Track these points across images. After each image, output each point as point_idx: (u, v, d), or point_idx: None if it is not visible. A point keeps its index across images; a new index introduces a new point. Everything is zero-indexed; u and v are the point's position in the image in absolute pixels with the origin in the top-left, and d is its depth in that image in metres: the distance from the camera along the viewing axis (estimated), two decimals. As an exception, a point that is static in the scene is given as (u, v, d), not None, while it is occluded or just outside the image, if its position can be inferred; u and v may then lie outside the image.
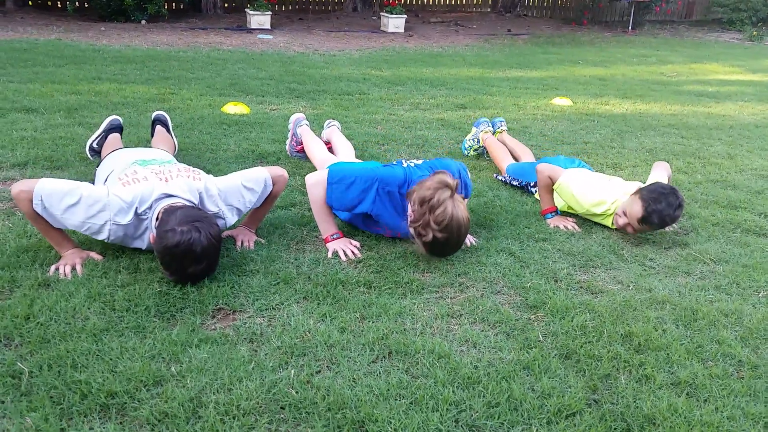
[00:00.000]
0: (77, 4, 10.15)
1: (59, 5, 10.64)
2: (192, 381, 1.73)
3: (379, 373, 1.83)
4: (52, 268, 2.26)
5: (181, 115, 4.47)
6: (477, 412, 1.70)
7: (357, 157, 3.48)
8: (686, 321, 2.24)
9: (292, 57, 7.69)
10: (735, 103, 6.59)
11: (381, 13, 11.45)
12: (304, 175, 3.22)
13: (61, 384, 1.68)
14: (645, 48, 11.03)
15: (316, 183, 2.59)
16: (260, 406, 1.67)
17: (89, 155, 3.38)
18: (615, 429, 1.68)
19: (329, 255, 2.54)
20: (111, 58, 6.65)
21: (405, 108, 5.33)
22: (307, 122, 3.70)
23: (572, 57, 9.38)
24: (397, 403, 1.70)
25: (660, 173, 3.23)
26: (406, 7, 11.42)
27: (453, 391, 1.76)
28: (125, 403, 1.64)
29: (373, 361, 1.89)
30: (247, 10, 10.23)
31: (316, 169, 3.27)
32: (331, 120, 3.78)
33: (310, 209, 2.90)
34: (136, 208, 2.24)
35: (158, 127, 3.41)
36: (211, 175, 2.50)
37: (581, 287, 2.44)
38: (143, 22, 9.62)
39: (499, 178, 3.64)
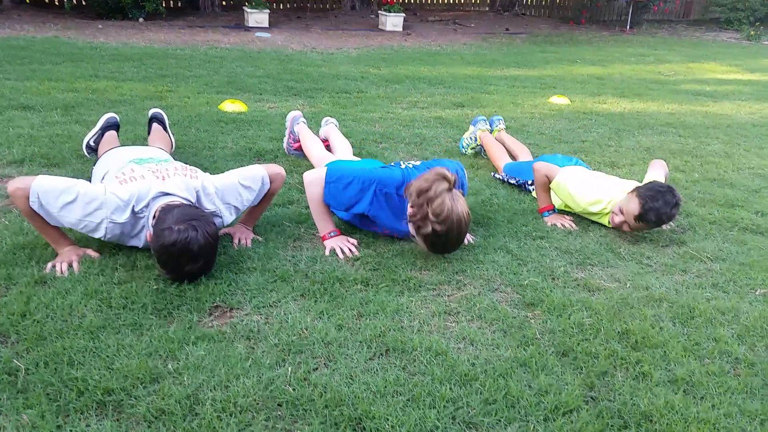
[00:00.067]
0: (74, 1, 10.12)
1: (56, 3, 10.60)
2: (189, 378, 1.73)
3: (377, 370, 1.83)
4: (49, 265, 2.26)
5: (178, 112, 4.47)
6: (474, 409, 1.70)
7: (355, 155, 3.48)
8: (683, 319, 2.24)
9: (289, 55, 7.68)
10: (732, 102, 6.60)
11: (379, 12, 11.44)
12: (302, 173, 3.22)
13: (58, 381, 1.68)
14: (643, 47, 11.04)
15: (314, 181, 2.58)
16: (257, 403, 1.66)
17: (86, 153, 3.37)
18: (612, 426, 1.68)
19: (327, 253, 2.54)
20: (108, 55, 6.64)
21: (403, 106, 5.33)
22: (305, 120, 3.70)
23: (570, 56, 9.38)
24: (395, 400, 1.70)
25: (657, 172, 3.23)
26: (404, 6, 11.41)
27: (450, 388, 1.77)
28: (122, 400, 1.64)
29: (370, 359, 1.89)
30: (244, 8, 10.21)
31: (313, 167, 3.27)
32: (328, 118, 3.78)
33: (307, 207, 2.89)
34: (133, 206, 2.24)
35: (155, 125, 3.40)
36: (208, 174, 2.50)
37: (578, 285, 2.44)
38: (141, 19, 9.60)
39: (497, 176, 3.64)
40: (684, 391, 1.84)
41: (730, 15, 14.90)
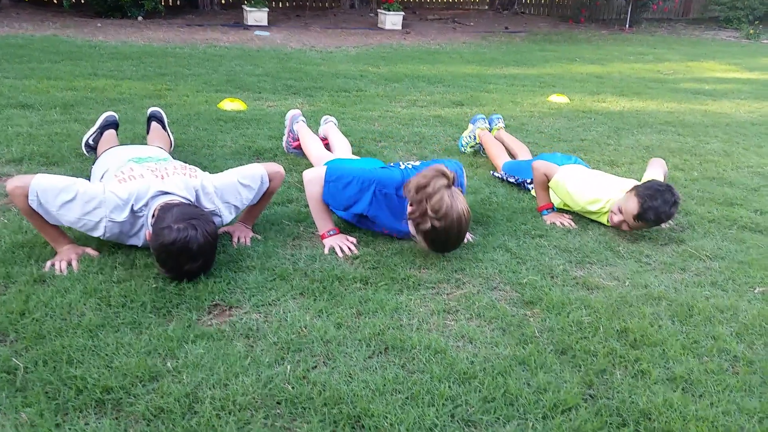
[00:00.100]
0: (73, 0, 10.11)
1: (55, 1, 10.59)
2: (188, 376, 1.73)
3: (376, 368, 1.83)
4: (48, 264, 2.26)
5: (177, 111, 4.46)
6: (473, 407, 1.70)
7: (354, 153, 3.48)
8: (682, 317, 2.24)
9: (289, 54, 7.68)
10: (731, 100, 6.60)
11: (378, 10, 11.43)
12: (301, 172, 3.22)
13: (57, 379, 1.68)
14: (642, 46, 11.03)
15: (313, 179, 2.58)
16: (256, 402, 1.67)
17: (85, 151, 3.37)
18: (610, 424, 1.69)
19: (326, 251, 2.54)
20: (107, 54, 6.63)
21: (402, 105, 5.32)
22: (304, 119, 3.70)
23: (569, 54, 9.38)
24: (393, 398, 1.70)
25: (656, 170, 3.23)
26: (404, 4, 11.39)
27: (449, 386, 1.77)
28: (121, 398, 1.64)
29: (369, 357, 1.89)
30: (244, 6, 10.20)
31: (312, 166, 3.27)
32: (327, 116, 3.77)
33: (306, 205, 2.89)
34: (132, 205, 2.24)
35: (153, 124, 3.40)
36: (207, 173, 2.49)
37: (577, 283, 2.45)
38: (140, 18, 9.59)
39: (496, 175, 3.64)
40: (683, 389, 1.84)
41: (730, 14, 14.90)
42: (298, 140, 3.57)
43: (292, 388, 1.72)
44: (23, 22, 8.47)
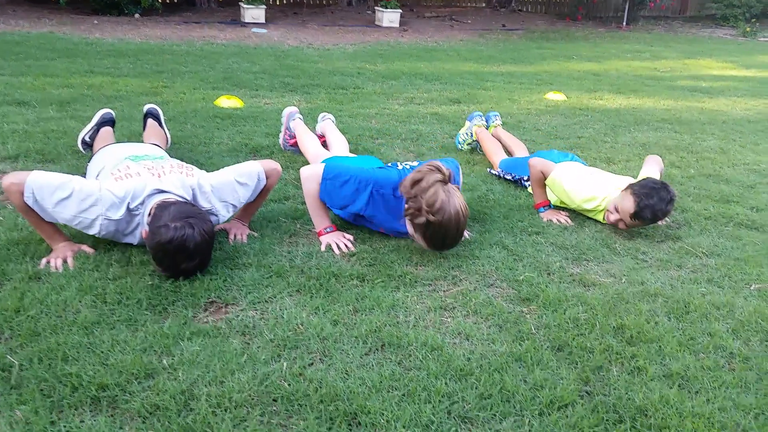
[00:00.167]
0: (69, -3, 10.07)
1: (51, -2, 10.55)
2: (184, 374, 1.73)
3: (372, 365, 1.83)
4: (43, 261, 2.25)
5: (174, 108, 4.45)
6: (469, 403, 1.70)
7: (351, 151, 3.48)
8: (678, 313, 2.24)
9: (286, 51, 7.66)
10: (728, 98, 6.61)
11: (376, 8, 11.42)
12: (298, 169, 3.21)
13: (52, 377, 1.67)
14: (639, 43, 11.04)
15: (310, 176, 2.57)
16: (252, 399, 1.66)
17: (81, 148, 3.36)
18: (607, 420, 1.69)
19: (322, 248, 2.54)
20: (104, 51, 6.61)
21: (399, 102, 5.32)
22: (301, 116, 3.69)
23: (566, 52, 9.38)
24: (390, 395, 1.70)
25: (652, 168, 3.23)
26: (401, 2, 11.38)
27: (445, 383, 1.76)
28: (116, 395, 1.64)
29: (365, 354, 1.89)
30: (241, 3, 10.18)
31: (309, 163, 3.26)
32: (325, 113, 3.77)
33: (303, 203, 2.89)
34: (128, 203, 2.23)
35: (150, 121, 3.39)
36: (204, 171, 2.48)
37: (574, 280, 2.45)
38: (137, 15, 9.56)
39: (492, 172, 3.63)
40: (679, 386, 1.84)
41: (726, 11, 14.92)
42: (295, 138, 3.56)
43: (289, 385, 1.72)
44: (19, 19, 8.44)
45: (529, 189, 3.31)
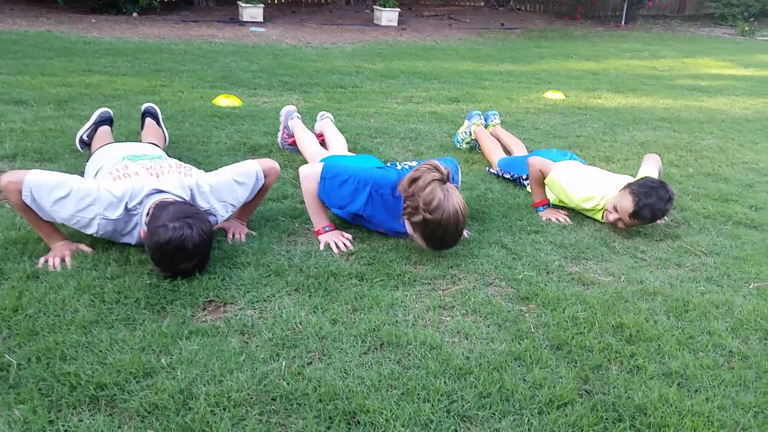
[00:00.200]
0: (67, -4, 10.05)
1: (49, -3, 10.52)
2: (182, 373, 1.72)
3: (371, 364, 1.83)
4: (41, 260, 2.24)
5: (172, 107, 4.44)
6: (468, 402, 1.70)
7: (350, 150, 3.47)
8: (677, 312, 2.24)
9: (284, 50, 7.66)
10: (727, 97, 6.62)
11: (374, 7, 11.41)
12: (296, 168, 3.21)
13: (50, 376, 1.67)
14: (637, 42, 11.04)
15: (309, 175, 2.56)
16: (251, 398, 1.66)
17: (79, 147, 3.35)
18: (606, 419, 1.68)
19: (321, 247, 2.53)
20: (102, 50, 6.60)
21: (398, 101, 5.32)
22: (299, 115, 3.69)
23: (565, 51, 9.38)
24: (389, 394, 1.70)
25: (650, 166, 3.23)
26: (399, 1, 11.37)
27: (444, 382, 1.76)
28: (115, 395, 1.63)
29: (364, 353, 1.89)
30: (239, 2, 10.16)
31: (308, 162, 3.26)
32: (324, 112, 3.76)
33: (302, 202, 2.88)
34: (126, 203, 2.22)
35: (148, 120, 3.38)
36: (202, 171, 2.48)
37: (573, 279, 2.44)
38: (135, 14, 9.54)
39: (491, 171, 3.63)
40: (678, 384, 1.84)
41: (725, 11, 14.93)
42: (293, 137, 3.56)
43: (287, 384, 1.71)
44: (17, 18, 8.43)
45: (528, 188, 3.31)
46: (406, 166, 2.69)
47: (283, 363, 1.80)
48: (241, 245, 2.50)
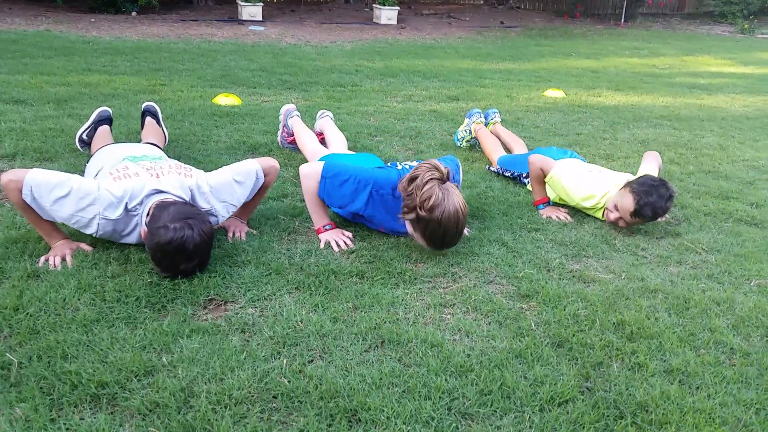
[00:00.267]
0: (66, -5, 10.04)
1: (48, -3, 10.51)
2: (183, 371, 1.72)
3: (372, 362, 1.83)
4: (42, 259, 2.24)
5: (171, 106, 4.44)
6: (470, 399, 1.70)
7: (350, 148, 3.47)
8: (678, 309, 2.24)
9: (283, 48, 7.65)
10: (727, 95, 6.61)
11: (373, 5, 11.40)
12: (296, 167, 3.21)
13: (51, 375, 1.67)
14: (637, 40, 11.04)
15: (310, 174, 2.56)
16: (252, 396, 1.66)
17: (79, 147, 3.35)
18: (608, 416, 1.68)
19: (321, 245, 2.53)
20: (101, 49, 6.59)
21: (398, 100, 5.31)
22: (298, 113, 3.68)
23: (564, 49, 9.38)
24: (390, 392, 1.70)
25: (650, 164, 3.23)
26: (399, -1, 11.38)
27: (446, 380, 1.76)
28: (116, 393, 1.63)
29: (365, 351, 1.88)
30: (238, 1, 10.16)
31: (308, 161, 3.25)
32: (323, 111, 3.76)
33: (302, 200, 2.88)
34: (126, 203, 2.22)
35: (148, 119, 3.37)
36: (202, 171, 2.47)
37: (573, 276, 2.44)
38: (134, 13, 9.54)
39: (491, 169, 3.63)
40: (679, 381, 1.84)
41: (725, 8, 14.92)
42: (293, 135, 3.55)
43: (288, 382, 1.71)
44: (16, 17, 8.42)
45: (528, 186, 3.31)
46: (407, 166, 2.68)
47: (284, 361, 1.80)
48: (241, 244, 2.49)
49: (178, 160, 3.09)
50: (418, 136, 4.23)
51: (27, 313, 1.93)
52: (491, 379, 1.77)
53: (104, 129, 3.25)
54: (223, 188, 2.42)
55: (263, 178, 2.53)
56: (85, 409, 1.57)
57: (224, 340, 1.88)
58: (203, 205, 2.36)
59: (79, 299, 2.02)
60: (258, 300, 2.12)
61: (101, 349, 1.79)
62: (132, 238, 2.32)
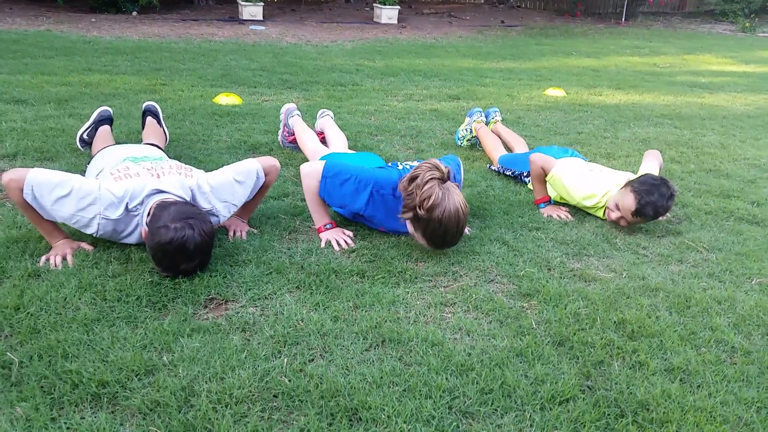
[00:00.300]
0: (67, -5, 10.05)
1: (49, -3, 10.52)
2: (184, 370, 1.72)
3: (373, 361, 1.83)
4: (43, 258, 2.24)
5: (172, 106, 4.44)
6: (470, 398, 1.69)
7: (350, 148, 3.47)
8: (679, 308, 2.24)
9: (284, 48, 7.65)
10: (728, 93, 6.61)
11: (374, 4, 11.40)
12: (297, 166, 3.21)
13: (52, 374, 1.67)
14: (638, 39, 11.03)
15: (310, 173, 2.56)
16: (253, 395, 1.66)
17: (79, 146, 3.35)
18: (608, 415, 1.68)
19: (322, 245, 2.53)
20: (102, 49, 6.60)
21: (398, 99, 5.31)
22: (299, 113, 3.68)
23: (565, 48, 9.37)
24: (391, 391, 1.70)
25: (651, 163, 3.23)
26: (399, -1, 11.37)
27: (446, 378, 1.76)
28: (117, 392, 1.63)
29: (366, 350, 1.88)
30: (239, 1, 10.16)
31: (308, 160, 3.25)
32: (324, 110, 3.76)
33: (302, 199, 2.88)
34: (127, 203, 2.22)
35: (149, 119, 3.37)
36: (202, 171, 2.47)
37: (574, 275, 2.44)
38: (134, 13, 9.54)
39: (492, 168, 3.63)
40: (680, 380, 1.84)
41: (726, 7, 14.91)
42: (294, 134, 3.55)
43: (289, 381, 1.71)
44: (17, 17, 8.42)
45: (529, 185, 3.30)
46: (407, 166, 2.68)
47: (285, 360, 1.80)
48: (242, 243, 2.49)
49: (179, 159, 3.10)
50: (418, 135, 4.22)
51: (28, 313, 1.93)
52: (492, 378, 1.77)
53: (105, 129, 3.25)
54: (224, 188, 2.42)
55: (264, 178, 2.53)
56: (86, 409, 1.58)
57: (225, 339, 1.88)
58: (204, 204, 2.36)
59: (79, 298, 2.02)
60: (259, 299, 2.12)
61: (102, 349, 1.79)
62: (132, 239, 2.32)
